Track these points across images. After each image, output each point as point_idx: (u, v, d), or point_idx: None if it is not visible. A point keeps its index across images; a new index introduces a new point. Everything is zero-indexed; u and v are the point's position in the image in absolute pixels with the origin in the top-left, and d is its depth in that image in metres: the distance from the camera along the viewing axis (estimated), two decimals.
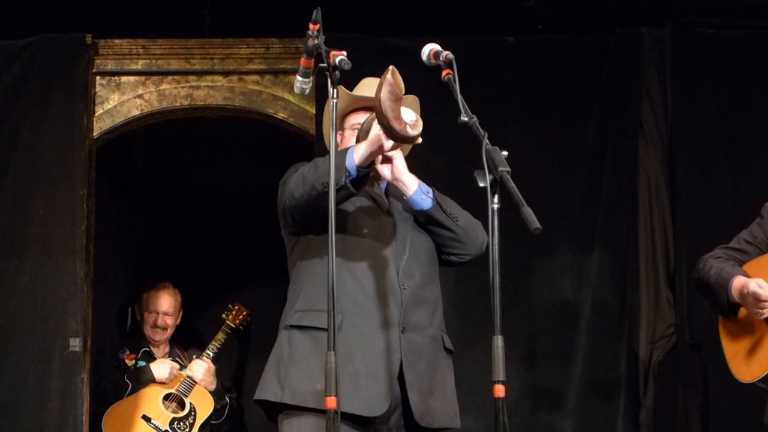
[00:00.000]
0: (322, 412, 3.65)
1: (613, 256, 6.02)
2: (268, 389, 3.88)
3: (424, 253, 4.00)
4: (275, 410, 3.91)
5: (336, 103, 3.50)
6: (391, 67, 3.55)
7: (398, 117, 3.56)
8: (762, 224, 4.53)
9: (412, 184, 3.93)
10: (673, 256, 6.05)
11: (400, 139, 3.63)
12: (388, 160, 3.92)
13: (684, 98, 6.11)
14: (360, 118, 4.05)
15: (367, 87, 4.03)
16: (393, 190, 4.04)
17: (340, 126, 4.14)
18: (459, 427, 4.05)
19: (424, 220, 3.99)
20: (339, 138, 4.14)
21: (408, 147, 4.16)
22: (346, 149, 3.76)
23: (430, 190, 3.98)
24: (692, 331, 5.87)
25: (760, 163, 5.94)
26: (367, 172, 3.73)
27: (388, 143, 3.69)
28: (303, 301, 3.91)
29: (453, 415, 3.98)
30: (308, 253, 3.96)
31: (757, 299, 4.25)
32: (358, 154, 3.69)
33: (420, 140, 3.76)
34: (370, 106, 3.88)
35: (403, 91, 3.58)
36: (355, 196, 3.82)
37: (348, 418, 3.71)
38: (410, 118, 3.65)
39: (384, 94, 3.51)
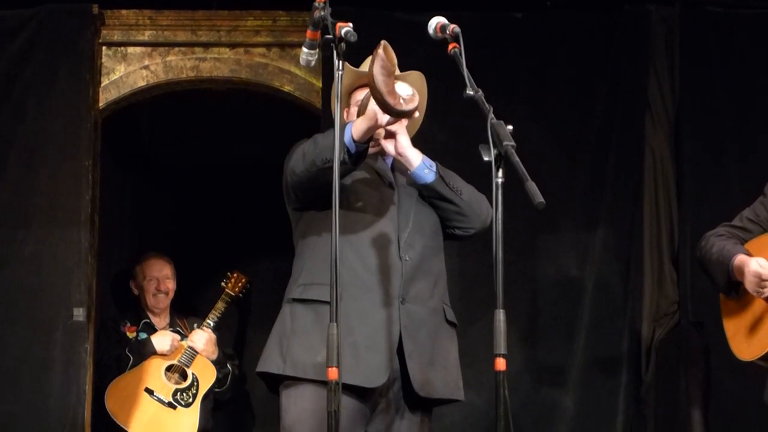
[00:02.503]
0: (321, 383, 3.69)
1: (617, 233, 6.02)
2: (270, 361, 3.93)
3: (428, 226, 4.04)
4: (277, 382, 3.96)
5: (341, 74, 3.50)
6: (383, 42, 3.56)
7: (392, 91, 3.58)
8: (765, 202, 4.53)
9: (415, 159, 3.97)
10: (677, 235, 6.05)
11: (395, 113, 3.64)
12: (391, 135, 3.95)
13: (691, 77, 6.10)
14: (363, 93, 4.06)
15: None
16: (399, 165, 4.08)
17: (346, 102, 4.17)
18: (462, 400, 4.07)
19: (427, 194, 4.02)
20: (345, 115, 4.17)
21: (416, 123, 4.18)
22: (345, 125, 3.78)
23: (433, 164, 4.02)
24: (695, 309, 5.88)
25: (766, 142, 5.94)
26: (365, 147, 3.75)
27: (384, 118, 3.70)
28: (306, 275, 3.96)
29: (455, 387, 4.02)
30: (311, 228, 4.00)
31: (758, 278, 4.25)
32: (356, 129, 3.72)
33: (417, 114, 3.78)
34: None
35: (396, 66, 3.60)
36: (358, 170, 3.87)
37: (347, 389, 3.73)
38: (406, 93, 3.66)
39: (376, 69, 3.52)
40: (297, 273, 4.01)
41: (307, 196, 3.95)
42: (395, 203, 4.00)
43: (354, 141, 3.71)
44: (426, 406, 3.99)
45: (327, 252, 3.71)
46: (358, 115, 3.89)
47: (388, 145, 3.97)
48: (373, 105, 3.67)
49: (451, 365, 4.01)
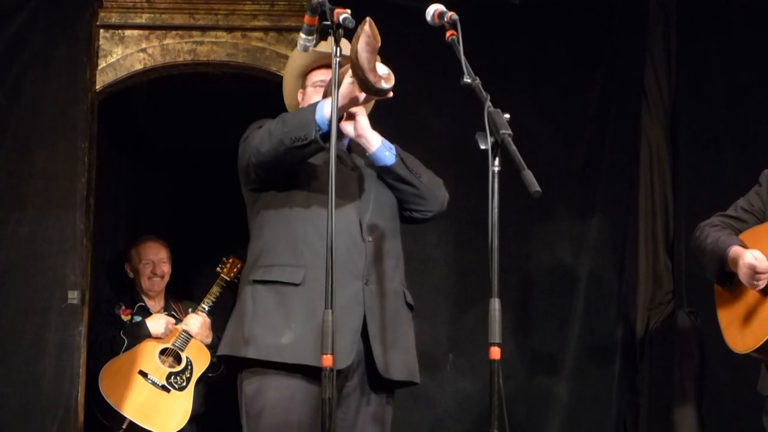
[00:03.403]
0: (285, 368, 3.74)
1: (612, 222, 6.03)
2: (232, 344, 3.90)
3: (387, 208, 4.05)
4: (238, 365, 3.92)
5: (338, 61, 3.49)
6: (368, 19, 3.55)
7: (374, 69, 3.58)
8: (760, 192, 4.53)
9: (375, 141, 3.98)
10: (672, 224, 6.06)
11: (373, 91, 3.64)
12: (351, 117, 3.95)
13: (688, 65, 6.11)
14: (323, 75, 4.09)
15: (329, 45, 4.06)
16: (356, 147, 4.08)
17: (301, 84, 4.18)
18: (419, 383, 4.07)
19: (387, 176, 4.04)
20: (300, 96, 4.18)
21: (370, 106, 4.17)
22: (315, 104, 3.77)
23: (393, 146, 4.03)
24: (689, 299, 5.89)
25: (762, 131, 5.93)
26: (337, 127, 3.73)
27: (361, 96, 3.70)
28: (266, 256, 3.93)
29: (414, 369, 4.03)
30: (271, 209, 3.98)
31: (752, 270, 4.25)
32: (329, 107, 3.67)
33: (391, 94, 3.76)
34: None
35: (380, 43, 3.58)
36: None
37: (311, 373, 3.74)
38: (383, 71, 3.65)
39: (361, 46, 3.52)
40: (255, 254, 3.99)
41: (270, 176, 3.92)
42: (356, 185, 4.00)
43: (327, 120, 3.68)
44: (388, 387, 3.99)
45: (289, 233, 3.82)
46: (326, 95, 3.88)
47: (348, 127, 3.97)
48: (348, 82, 3.66)
49: (410, 347, 4.03)
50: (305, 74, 4.17)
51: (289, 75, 4.25)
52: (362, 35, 3.52)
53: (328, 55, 3.83)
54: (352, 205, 3.95)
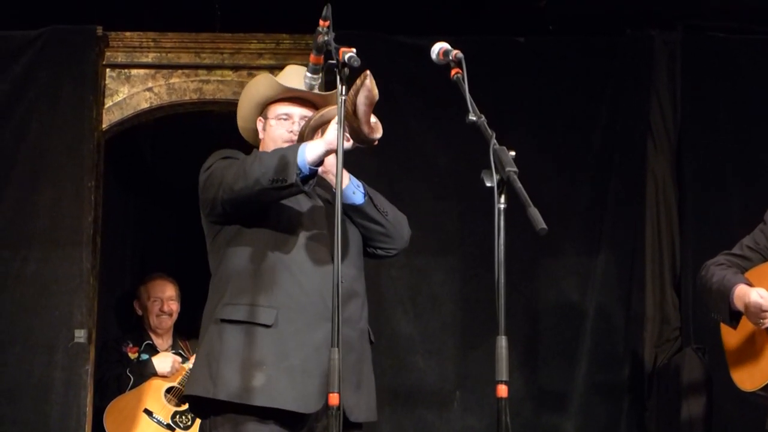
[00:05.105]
0: (257, 413, 3.69)
1: (619, 258, 6.02)
2: (199, 384, 3.83)
3: (354, 246, 4.01)
4: (206, 407, 3.85)
5: (343, 99, 3.48)
6: (367, 72, 3.54)
7: (369, 122, 3.59)
8: (765, 230, 4.52)
9: (344, 178, 3.89)
10: (679, 260, 6.04)
11: (362, 141, 3.64)
12: None
13: (693, 102, 6.10)
14: (285, 108, 4.07)
15: (292, 75, 4.05)
16: (320, 180, 3.98)
17: (260, 113, 4.14)
18: (376, 420, 4.04)
19: (355, 215, 3.99)
20: (260, 124, 4.15)
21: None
22: (296, 146, 3.72)
23: (360, 184, 3.99)
24: (697, 336, 5.87)
25: (767, 167, 5.94)
26: (316, 171, 3.71)
27: (348, 144, 3.67)
28: (234, 294, 3.85)
29: (373, 408, 3.99)
30: (237, 244, 3.91)
31: (758, 309, 4.24)
32: (312, 152, 3.65)
33: (376, 143, 3.74)
34: (298, 96, 4.00)
35: (377, 97, 3.58)
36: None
37: (280, 416, 3.71)
38: (372, 120, 3.66)
39: (360, 99, 3.52)
40: (221, 290, 3.90)
41: (239, 211, 3.85)
42: (324, 221, 3.94)
43: (308, 163, 3.65)
44: (357, 424, 3.91)
45: (259, 271, 3.77)
46: (302, 136, 3.88)
47: None
48: (334, 130, 3.63)
49: (372, 387, 4.00)
50: (266, 104, 4.12)
51: (248, 101, 4.17)
52: (362, 89, 3.52)
53: (295, 90, 3.92)
54: (322, 244, 3.90)
